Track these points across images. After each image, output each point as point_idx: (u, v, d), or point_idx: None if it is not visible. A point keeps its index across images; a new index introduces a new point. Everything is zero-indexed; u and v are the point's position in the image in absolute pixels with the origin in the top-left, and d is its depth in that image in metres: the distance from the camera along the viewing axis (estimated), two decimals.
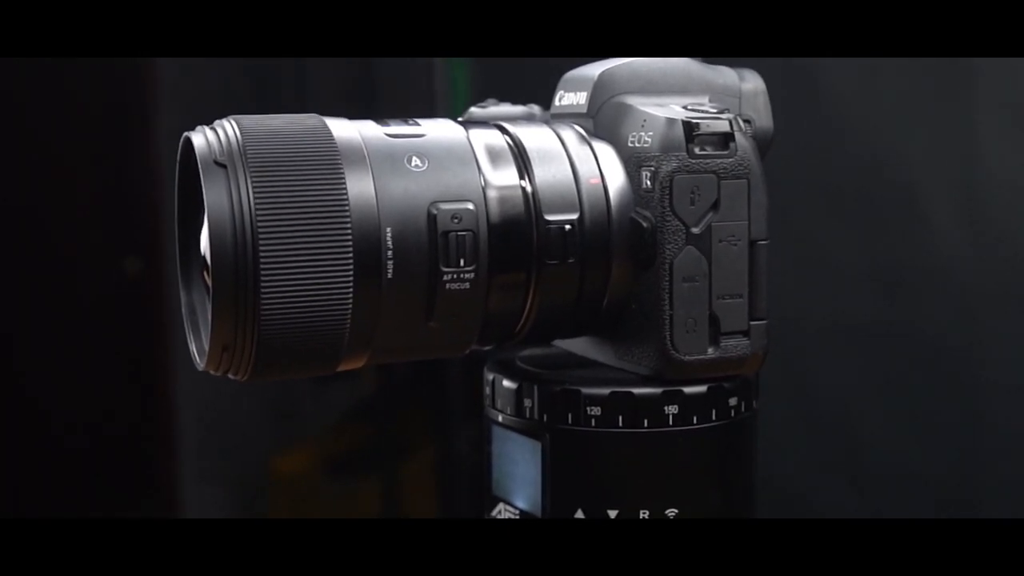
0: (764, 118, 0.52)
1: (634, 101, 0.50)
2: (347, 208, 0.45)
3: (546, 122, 0.52)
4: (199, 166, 0.45)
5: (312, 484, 2.12)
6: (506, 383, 0.51)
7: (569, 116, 0.52)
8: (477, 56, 0.52)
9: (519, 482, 0.51)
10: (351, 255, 0.45)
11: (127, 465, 2.20)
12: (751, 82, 0.52)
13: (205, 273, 0.48)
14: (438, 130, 0.49)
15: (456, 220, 0.46)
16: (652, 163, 0.48)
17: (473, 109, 0.56)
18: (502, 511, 0.53)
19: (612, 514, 0.49)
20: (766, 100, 0.52)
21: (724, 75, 0.52)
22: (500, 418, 0.52)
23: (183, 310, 0.49)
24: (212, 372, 0.47)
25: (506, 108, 0.56)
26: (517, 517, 0.52)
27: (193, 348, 0.48)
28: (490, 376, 0.52)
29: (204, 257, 0.47)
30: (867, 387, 1.28)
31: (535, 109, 0.57)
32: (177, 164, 0.48)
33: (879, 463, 1.29)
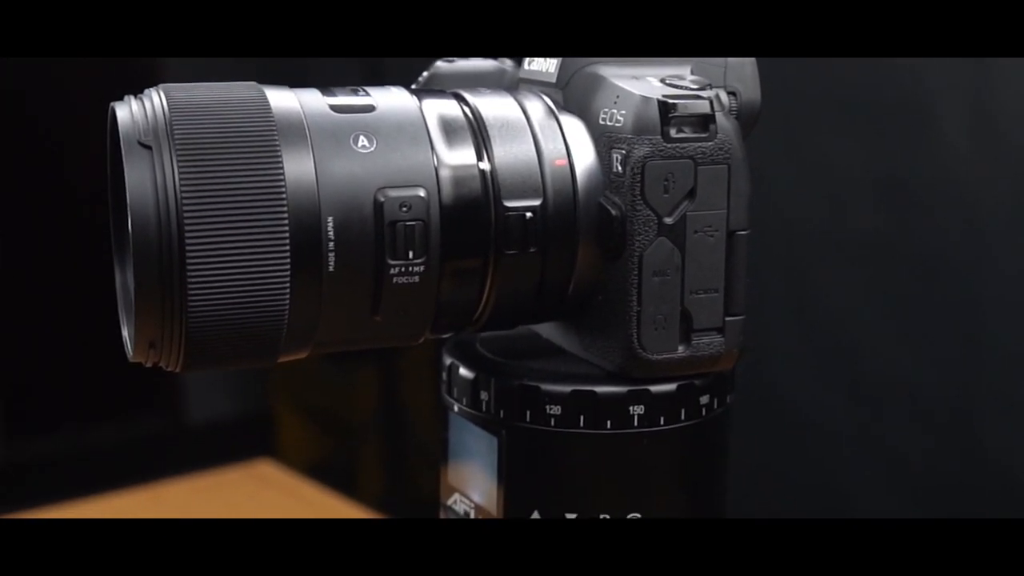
0: (751, 89, 0.47)
1: (608, 72, 0.46)
2: (283, 194, 0.41)
3: (513, 87, 0.48)
4: (121, 147, 0.41)
5: (312, 373, 2.11)
6: (463, 372, 0.48)
7: (537, 84, 0.48)
8: (485, 56, 0.47)
9: (475, 475, 0.48)
10: (287, 246, 0.41)
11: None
12: None
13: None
14: (389, 101, 0.44)
15: (405, 209, 0.42)
16: (624, 145, 0.44)
17: (439, 63, 0.52)
18: (458, 502, 0.50)
19: (570, 517, 0.46)
20: (754, 70, 0.47)
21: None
22: (456, 407, 0.48)
23: (117, 291, 0.46)
24: (142, 363, 0.44)
25: (475, 63, 0.52)
26: (471, 508, 0.49)
27: (125, 334, 0.45)
28: (447, 361, 0.49)
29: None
30: (867, 297, 1.25)
31: (507, 64, 0.52)
32: (107, 136, 0.44)
33: (876, 373, 1.27)
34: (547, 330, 0.50)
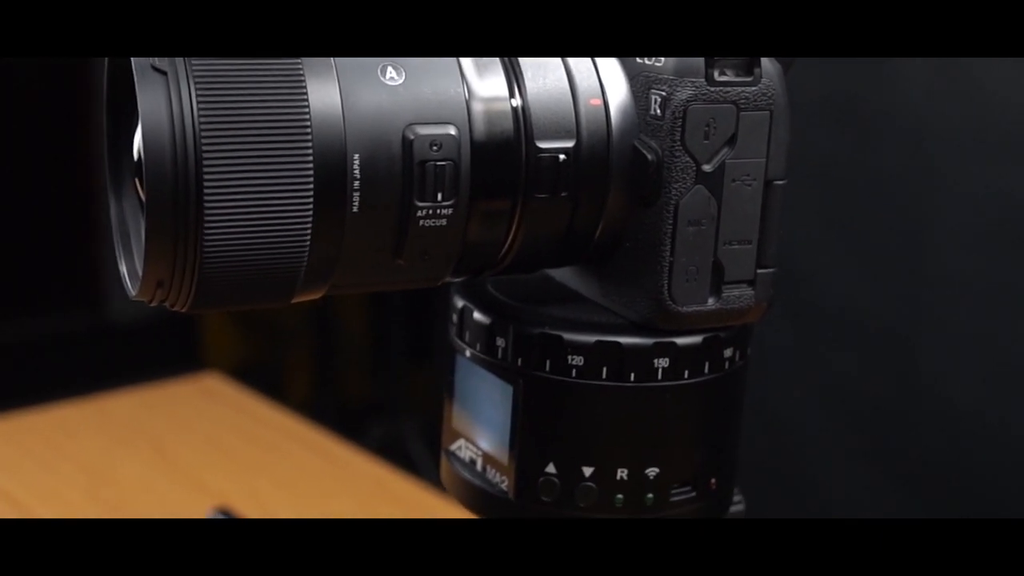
0: None
1: None
2: (308, 129, 0.38)
3: None
4: (133, 70, 0.38)
5: None
6: (477, 316, 0.45)
7: None
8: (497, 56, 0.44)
9: (484, 422, 0.46)
10: (311, 185, 0.38)
11: (57, 256, 2.13)
12: None
13: (138, 183, 0.41)
14: None
15: (435, 148, 0.40)
16: (664, 87, 0.42)
17: None
18: (463, 448, 0.48)
19: (587, 471, 0.44)
20: None
21: None
22: (468, 352, 0.46)
23: (112, 222, 0.43)
24: (145, 302, 0.41)
25: None
26: (479, 456, 0.47)
27: (124, 270, 0.42)
28: (459, 303, 0.46)
29: (139, 164, 0.40)
30: (816, 220, 1.25)
31: None
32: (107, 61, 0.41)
33: (823, 298, 1.28)
34: (562, 273, 0.48)
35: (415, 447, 1.70)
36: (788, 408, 1.32)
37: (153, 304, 0.41)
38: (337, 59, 0.39)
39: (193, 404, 0.98)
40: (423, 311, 1.87)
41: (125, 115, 0.42)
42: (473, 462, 0.47)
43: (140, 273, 0.42)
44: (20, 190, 2.11)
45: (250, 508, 0.80)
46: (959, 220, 1.16)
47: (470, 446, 0.47)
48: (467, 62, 0.41)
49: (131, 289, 0.41)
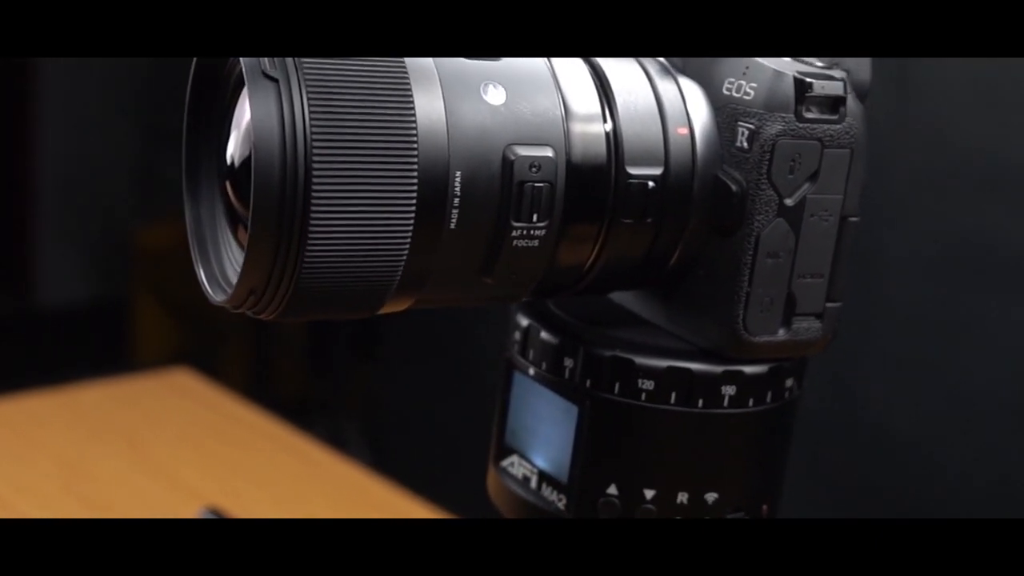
0: (864, 68, 0.46)
1: None
2: (415, 143, 0.38)
3: None
4: (244, 75, 0.37)
5: (176, 263, 2.04)
6: (544, 335, 0.46)
7: None
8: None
9: (542, 440, 0.47)
10: (414, 200, 0.38)
11: None
12: None
13: (230, 188, 0.41)
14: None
15: (535, 169, 0.40)
16: (752, 120, 0.42)
17: None
18: (516, 464, 0.48)
19: (648, 494, 0.45)
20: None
21: None
22: (532, 371, 0.46)
23: (188, 226, 0.42)
24: (229, 308, 0.41)
25: None
26: (533, 474, 0.47)
27: (202, 275, 0.41)
28: (523, 322, 0.47)
29: (232, 168, 0.40)
30: None
31: None
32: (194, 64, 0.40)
33: None
34: (622, 296, 0.48)
35: (356, 446, 1.69)
36: None
37: (238, 311, 0.40)
38: (440, 71, 0.39)
39: (164, 399, 0.96)
40: None
41: (208, 118, 0.42)
42: (527, 479, 0.47)
43: (219, 277, 0.41)
44: None
45: (231, 506, 0.79)
46: (902, 253, 1.18)
47: (524, 463, 0.47)
48: (564, 83, 0.41)
49: (211, 294, 0.41)
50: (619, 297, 0.48)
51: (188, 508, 0.73)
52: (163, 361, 2.02)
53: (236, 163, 0.40)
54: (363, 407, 1.79)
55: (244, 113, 0.40)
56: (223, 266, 0.42)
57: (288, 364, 2.00)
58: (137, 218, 2.15)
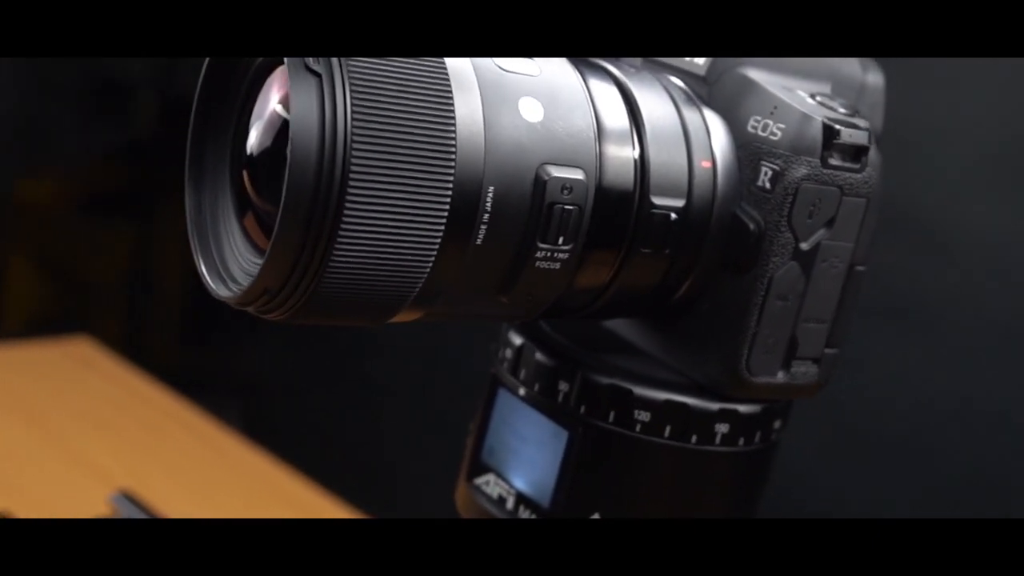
0: (878, 118, 0.46)
1: (759, 76, 0.43)
2: (453, 154, 0.37)
3: (648, 70, 0.45)
4: (288, 67, 0.36)
5: (60, 218, 1.97)
6: (539, 356, 0.45)
7: (681, 74, 0.45)
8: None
9: (524, 461, 0.46)
10: (447, 210, 0.37)
11: None
12: (873, 76, 0.46)
13: (248, 180, 0.39)
14: (551, 70, 0.41)
15: (566, 192, 0.39)
16: (777, 161, 0.42)
17: None
18: (491, 482, 0.47)
19: None
20: (882, 98, 0.46)
21: (847, 62, 0.46)
22: (522, 391, 0.45)
23: (188, 213, 0.40)
24: (233, 306, 0.39)
25: None
26: (510, 495, 0.46)
27: (202, 267, 0.39)
28: (516, 340, 0.46)
29: (251, 159, 0.38)
30: None
31: None
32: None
33: None
34: (618, 323, 0.47)
35: (235, 429, 1.65)
36: None
37: (247, 309, 0.39)
38: (480, 77, 0.38)
39: (65, 371, 0.93)
40: None
41: (218, 108, 0.40)
42: (503, 499, 0.46)
43: (220, 269, 0.40)
44: None
45: (136, 486, 0.77)
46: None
47: (501, 483, 0.47)
48: (599, 106, 0.41)
49: (213, 288, 0.39)
50: (613, 323, 0.47)
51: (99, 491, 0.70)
52: (28, 325, 1.95)
53: (256, 153, 0.38)
54: (244, 388, 1.76)
55: (268, 103, 0.38)
56: (224, 257, 0.40)
57: (164, 337, 1.95)
58: (14, 171, 2.07)
